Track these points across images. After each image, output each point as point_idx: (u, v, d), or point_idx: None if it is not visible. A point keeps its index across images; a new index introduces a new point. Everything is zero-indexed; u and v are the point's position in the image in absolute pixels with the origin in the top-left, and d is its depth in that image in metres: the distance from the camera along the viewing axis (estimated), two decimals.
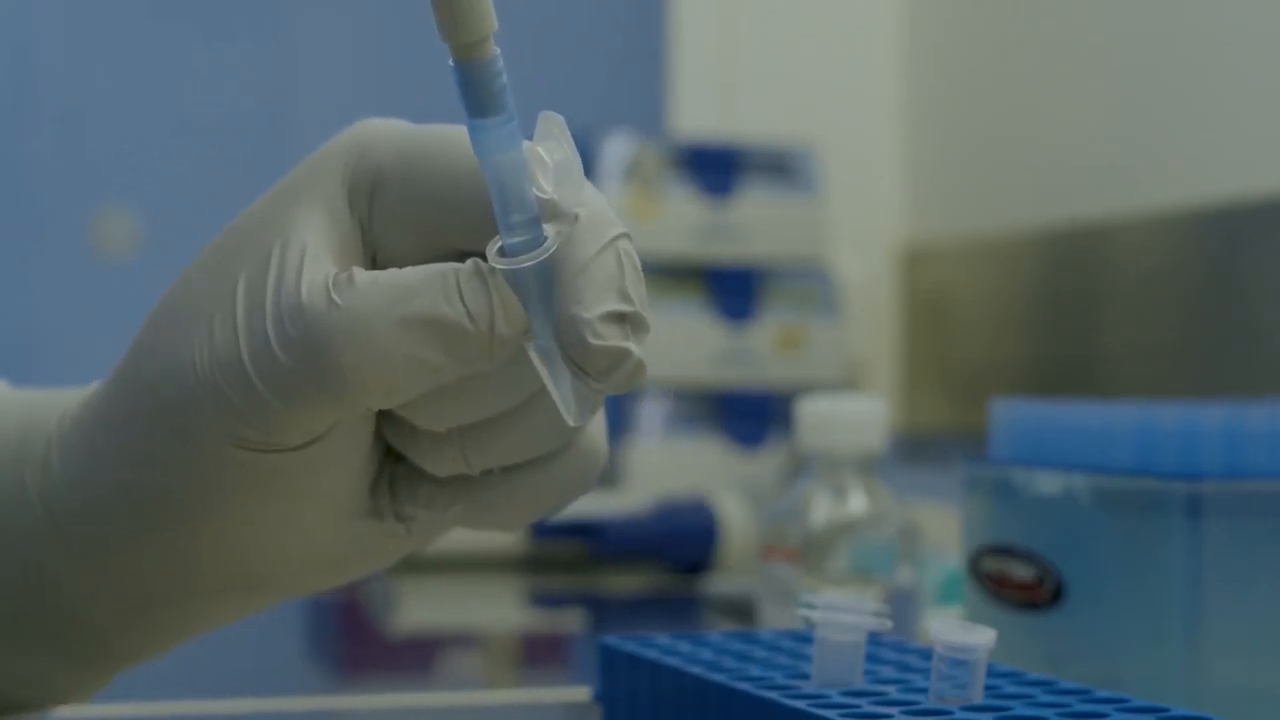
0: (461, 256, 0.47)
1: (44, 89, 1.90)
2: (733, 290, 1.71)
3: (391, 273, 0.46)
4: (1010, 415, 0.69)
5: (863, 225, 1.95)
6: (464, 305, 0.45)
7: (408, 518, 0.52)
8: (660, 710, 0.56)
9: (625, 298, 0.44)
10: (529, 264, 0.44)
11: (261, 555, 0.50)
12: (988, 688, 0.50)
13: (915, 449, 1.81)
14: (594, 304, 0.44)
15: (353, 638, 1.13)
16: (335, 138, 0.49)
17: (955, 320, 1.86)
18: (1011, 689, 0.51)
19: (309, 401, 0.46)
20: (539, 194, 0.45)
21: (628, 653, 0.58)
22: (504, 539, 1.30)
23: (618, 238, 0.45)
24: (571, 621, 1.24)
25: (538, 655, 1.11)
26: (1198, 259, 1.50)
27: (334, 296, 0.45)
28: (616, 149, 1.68)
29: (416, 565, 1.28)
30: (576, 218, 0.45)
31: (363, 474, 0.51)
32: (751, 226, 1.73)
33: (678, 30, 1.98)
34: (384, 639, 1.12)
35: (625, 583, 1.31)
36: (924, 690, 0.50)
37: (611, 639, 0.60)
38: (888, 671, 0.54)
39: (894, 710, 0.48)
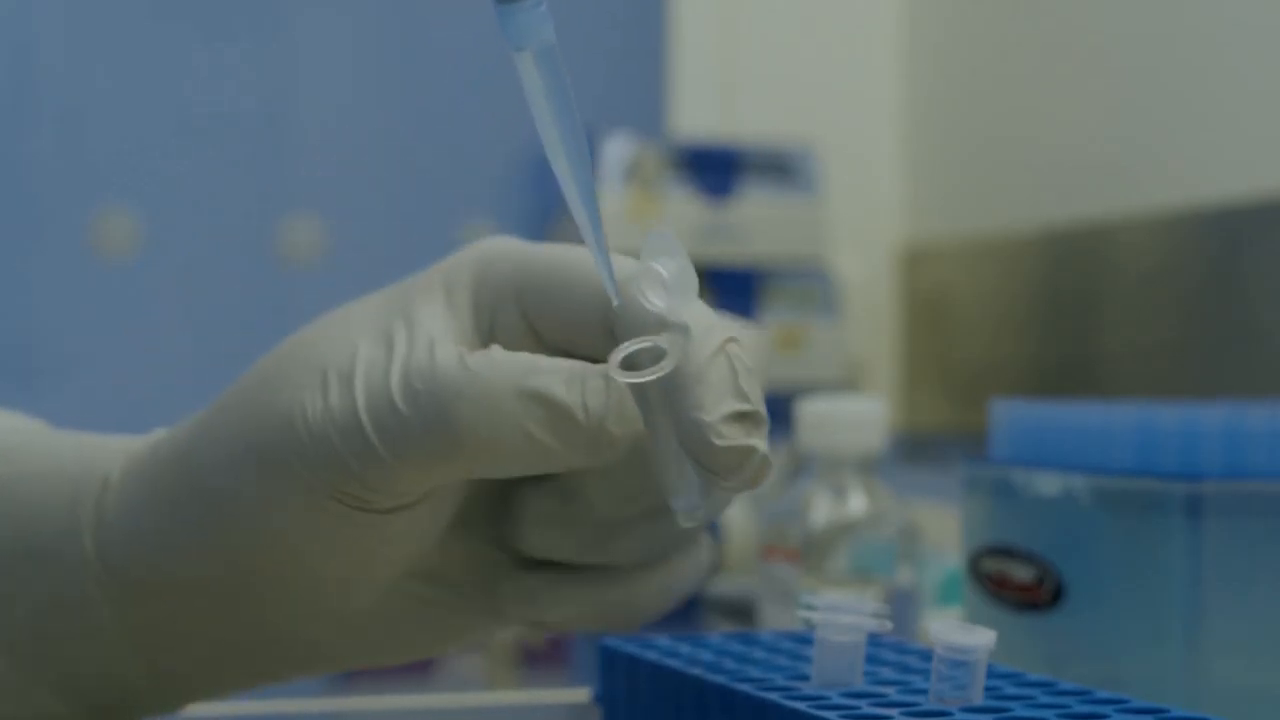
0: None
1: (44, 89, 1.90)
2: (733, 291, 1.71)
3: (524, 354, 0.48)
4: (1010, 415, 0.69)
5: (863, 225, 1.95)
6: (581, 396, 0.47)
7: (514, 605, 0.55)
8: (660, 711, 0.56)
9: (743, 397, 0.47)
10: (649, 378, 0.46)
11: (317, 617, 0.52)
12: (988, 689, 0.50)
13: (915, 449, 1.81)
14: (715, 408, 0.46)
15: None
16: (459, 252, 0.51)
17: (955, 320, 1.86)
18: (1012, 690, 0.51)
19: (420, 456, 0.47)
20: (650, 306, 0.48)
21: (628, 654, 0.58)
22: None
23: (727, 342, 0.48)
24: None
25: (538, 657, 1.11)
26: (1198, 259, 1.50)
27: (466, 361, 0.47)
28: (616, 150, 1.68)
29: None
30: (687, 329, 0.48)
31: (438, 552, 0.53)
32: (751, 227, 1.73)
33: (678, 30, 1.98)
34: None
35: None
36: (924, 691, 0.50)
37: (611, 640, 0.60)
38: (888, 672, 0.54)
39: (894, 711, 0.48)
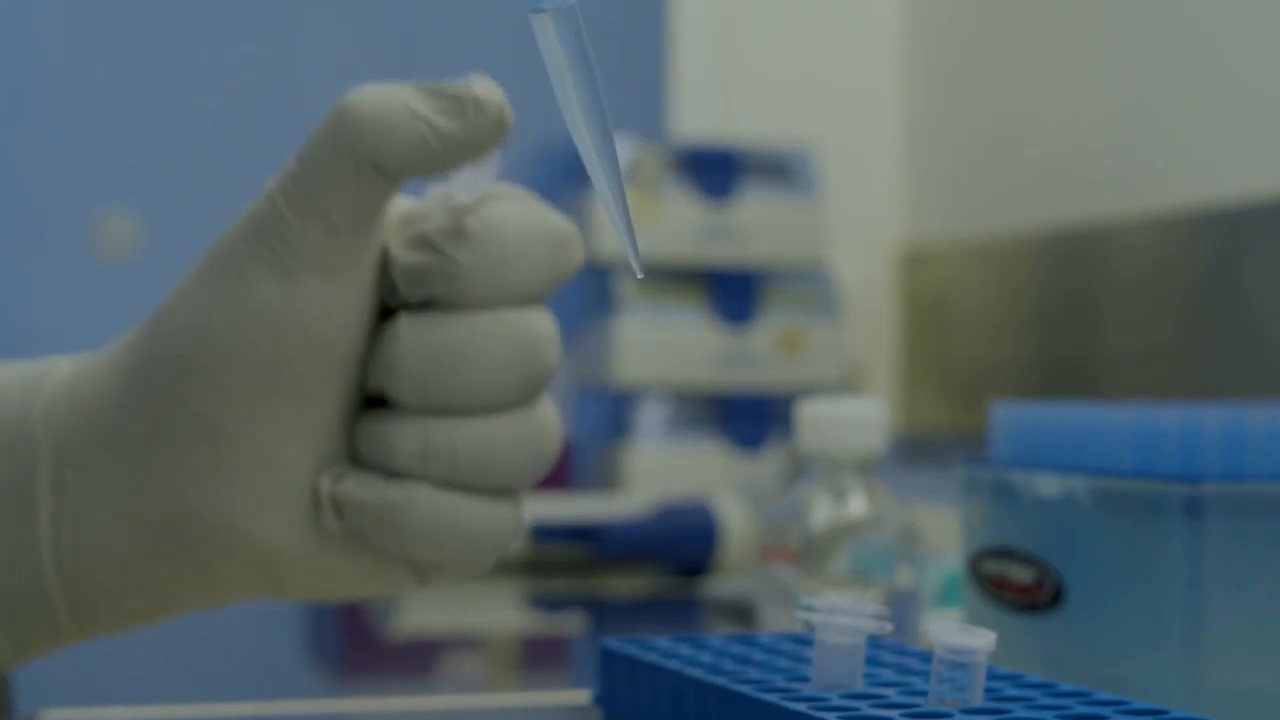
0: None
1: (44, 89, 1.90)
2: (733, 292, 1.71)
3: None
4: (1010, 417, 0.69)
5: (863, 226, 1.95)
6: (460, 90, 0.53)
7: (342, 498, 0.54)
8: (660, 713, 0.56)
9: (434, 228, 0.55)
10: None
11: (240, 500, 0.53)
12: (987, 690, 0.50)
13: (915, 451, 1.81)
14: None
15: (353, 640, 1.13)
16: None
17: (955, 322, 1.86)
18: (1011, 691, 0.51)
19: (326, 153, 0.55)
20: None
21: (628, 655, 0.58)
22: None
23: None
24: (572, 624, 1.24)
25: (538, 658, 1.11)
26: (1198, 260, 1.50)
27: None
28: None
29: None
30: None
31: (340, 422, 0.54)
32: (751, 228, 1.73)
33: (678, 30, 1.98)
34: (385, 642, 1.12)
35: (625, 585, 1.31)
36: (924, 693, 0.50)
37: (612, 642, 0.60)
38: (888, 674, 0.54)
39: (894, 713, 0.48)
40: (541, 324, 0.54)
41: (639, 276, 0.50)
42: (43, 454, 0.54)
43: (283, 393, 0.53)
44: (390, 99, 0.55)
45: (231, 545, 0.54)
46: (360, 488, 0.53)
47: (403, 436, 0.53)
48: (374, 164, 0.53)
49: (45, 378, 0.55)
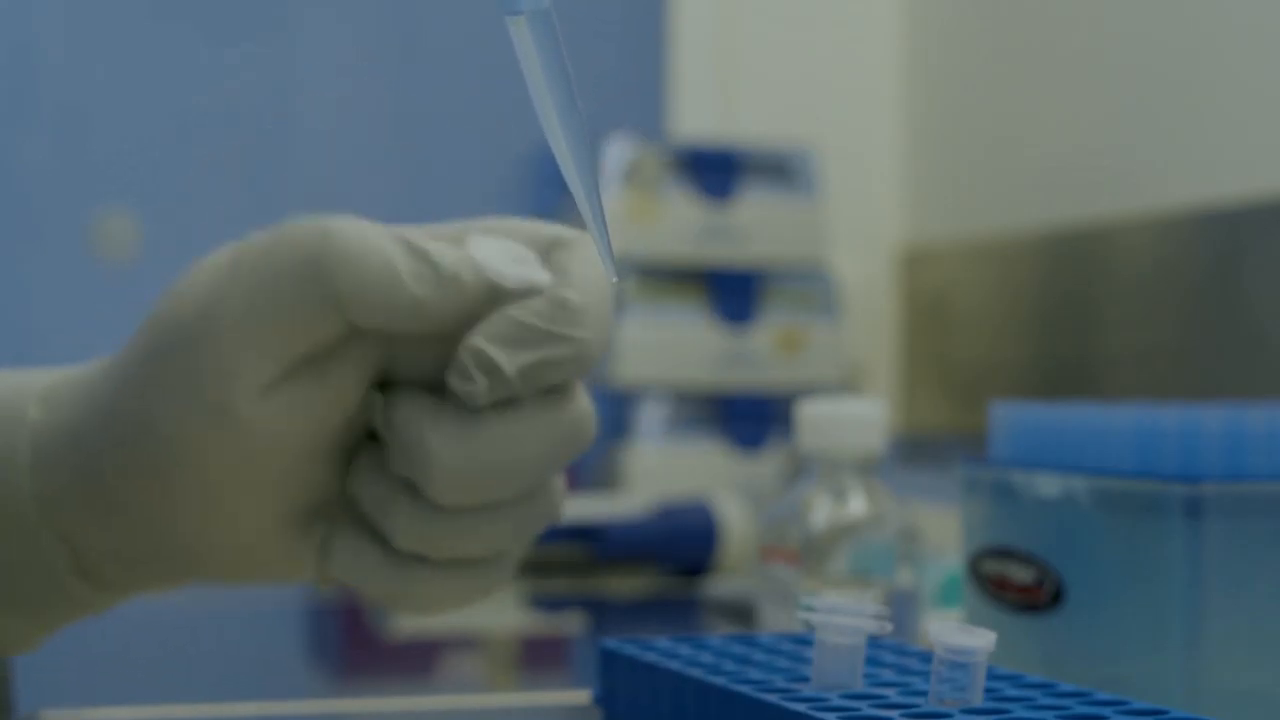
0: None
1: (44, 89, 1.90)
2: (733, 292, 1.71)
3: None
4: (1010, 417, 0.69)
5: (862, 226, 1.95)
6: (436, 255, 0.52)
7: (335, 570, 0.55)
8: (660, 713, 0.56)
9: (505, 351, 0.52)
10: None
11: (206, 540, 0.54)
12: (987, 690, 0.50)
13: (915, 450, 1.81)
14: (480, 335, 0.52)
15: (353, 640, 1.13)
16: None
17: (955, 322, 1.86)
18: (1011, 691, 0.51)
19: (291, 287, 0.51)
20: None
21: (628, 656, 0.58)
22: None
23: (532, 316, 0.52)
24: (572, 624, 1.24)
25: (538, 658, 1.11)
26: (1198, 260, 1.50)
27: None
28: (616, 152, 1.68)
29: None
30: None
31: (310, 484, 0.54)
32: (751, 228, 1.73)
33: (678, 31, 1.98)
34: (384, 642, 1.12)
35: (625, 585, 1.31)
36: (924, 693, 0.50)
37: (612, 642, 0.60)
38: (888, 674, 0.54)
39: (894, 713, 0.48)
40: (585, 402, 0.53)
41: (613, 280, 0.50)
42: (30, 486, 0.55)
43: (240, 478, 0.53)
44: (371, 249, 0.52)
45: (206, 560, 0.56)
46: (357, 565, 0.53)
47: (429, 529, 0.53)
48: (336, 306, 0.51)
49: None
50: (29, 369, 0.58)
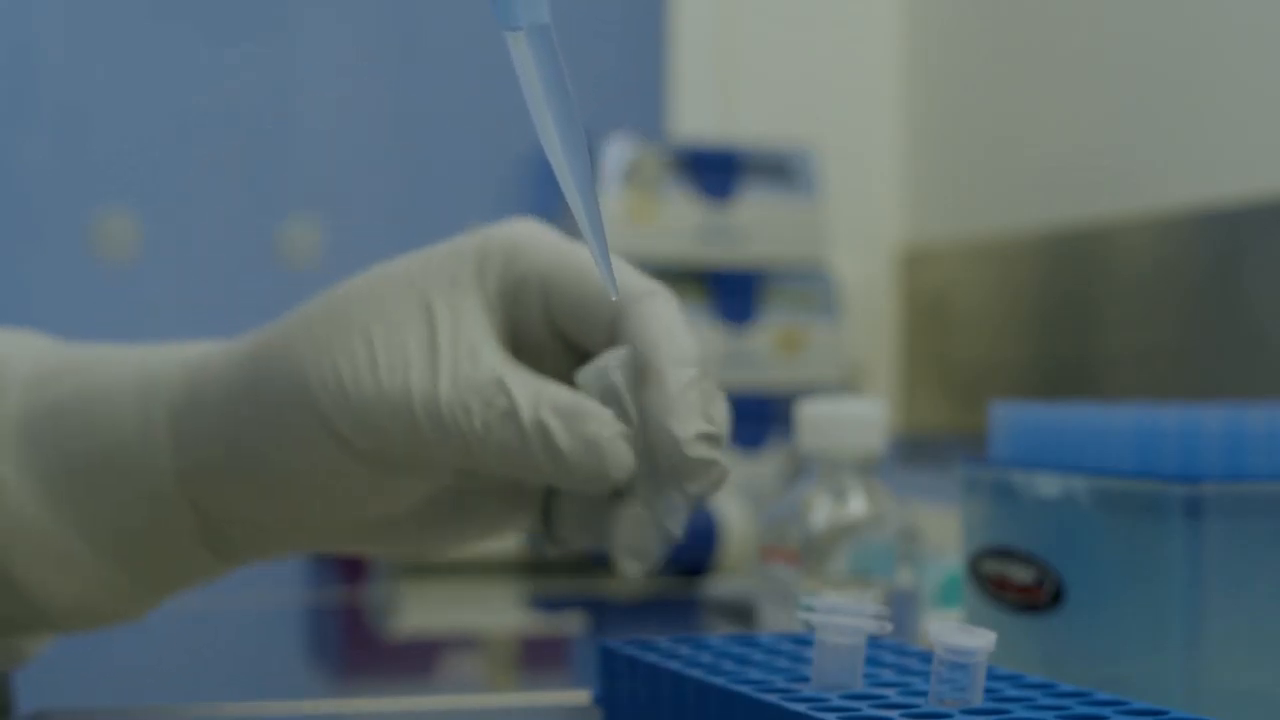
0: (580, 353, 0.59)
1: (44, 89, 1.90)
2: (733, 292, 1.71)
3: (553, 388, 0.57)
4: (1010, 417, 0.69)
5: (862, 226, 1.95)
6: (583, 440, 0.56)
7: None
8: (660, 713, 0.56)
9: (710, 420, 0.57)
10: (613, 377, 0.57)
11: (331, 525, 0.60)
12: (988, 690, 0.50)
13: (915, 450, 1.81)
14: (686, 427, 0.56)
15: (354, 641, 1.13)
16: (489, 232, 0.60)
17: (955, 322, 1.86)
18: (1011, 691, 0.51)
19: (450, 452, 0.56)
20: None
21: (628, 656, 0.58)
22: (503, 541, 1.30)
23: (700, 377, 0.57)
24: (571, 624, 1.24)
25: (538, 658, 1.11)
26: (1198, 260, 1.50)
27: (505, 381, 0.56)
28: (616, 152, 1.68)
29: (417, 568, 1.28)
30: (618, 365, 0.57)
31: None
32: (751, 228, 1.73)
33: (678, 31, 1.98)
34: (385, 642, 1.12)
35: (625, 585, 1.31)
36: (924, 693, 0.50)
37: (612, 642, 0.60)
38: (888, 674, 0.54)
39: (894, 713, 0.48)
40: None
41: (613, 299, 0.54)
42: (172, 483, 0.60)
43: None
44: (529, 448, 0.57)
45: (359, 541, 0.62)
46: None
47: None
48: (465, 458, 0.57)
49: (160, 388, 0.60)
50: (167, 344, 0.63)
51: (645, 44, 1.99)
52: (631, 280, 0.59)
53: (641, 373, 0.56)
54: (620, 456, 0.56)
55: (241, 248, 1.91)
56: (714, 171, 1.73)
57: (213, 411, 0.59)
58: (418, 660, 1.06)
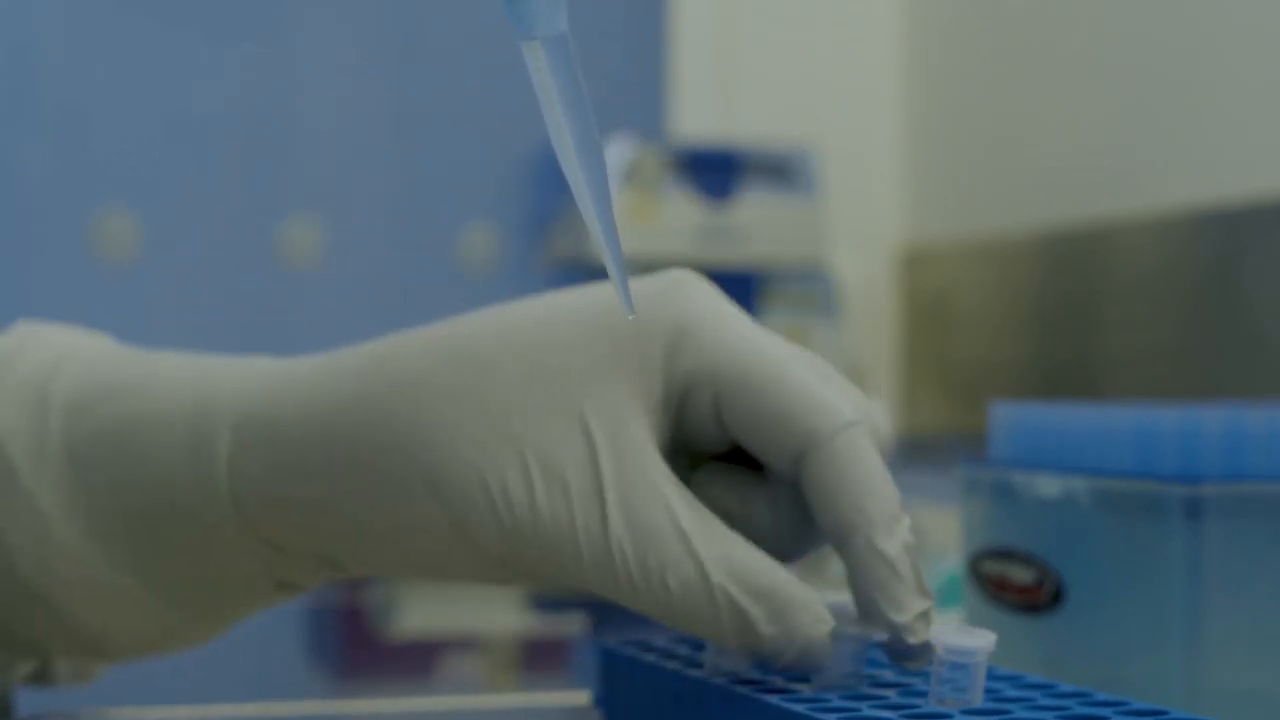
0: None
1: (44, 89, 1.90)
2: (733, 293, 1.70)
3: (734, 545, 0.49)
4: (1010, 417, 0.69)
5: (862, 227, 1.95)
6: (767, 621, 0.50)
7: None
8: (660, 714, 0.56)
9: (926, 594, 0.50)
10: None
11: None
12: (988, 691, 0.50)
13: (915, 451, 1.81)
14: (908, 609, 0.50)
15: (354, 642, 1.13)
16: (648, 307, 0.53)
17: (955, 322, 1.86)
18: (1012, 692, 0.51)
19: (604, 588, 0.48)
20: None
21: (628, 656, 0.58)
22: None
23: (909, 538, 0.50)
24: (571, 625, 1.24)
25: (538, 659, 1.11)
26: (1198, 260, 1.50)
27: (681, 524, 0.49)
28: (616, 153, 1.68)
29: None
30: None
31: None
32: (751, 229, 1.73)
33: (678, 31, 1.98)
34: (385, 643, 1.12)
35: None
36: (924, 693, 0.50)
37: (611, 643, 0.60)
38: (888, 674, 0.54)
39: (894, 714, 0.48)
40: None
41: (630, 317, 0.48)
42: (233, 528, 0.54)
43: None
44: (700, 605, 0.49)
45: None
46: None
47: None
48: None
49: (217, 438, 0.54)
50: (215, 360, 0.56)
51: (645, 44, 1.99)
52: (825, 404, 0.50)
53: (844, 530, 0.49)
54: (826, 651, 0.50)
55: (241, 248, 1.91)
56: (714, 171, 1.73)
57: (293, 454, 0.52)
58: (418, 660, 1.06)
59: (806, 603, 0.49)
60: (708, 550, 0.49)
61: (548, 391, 0.50)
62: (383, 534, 0.51)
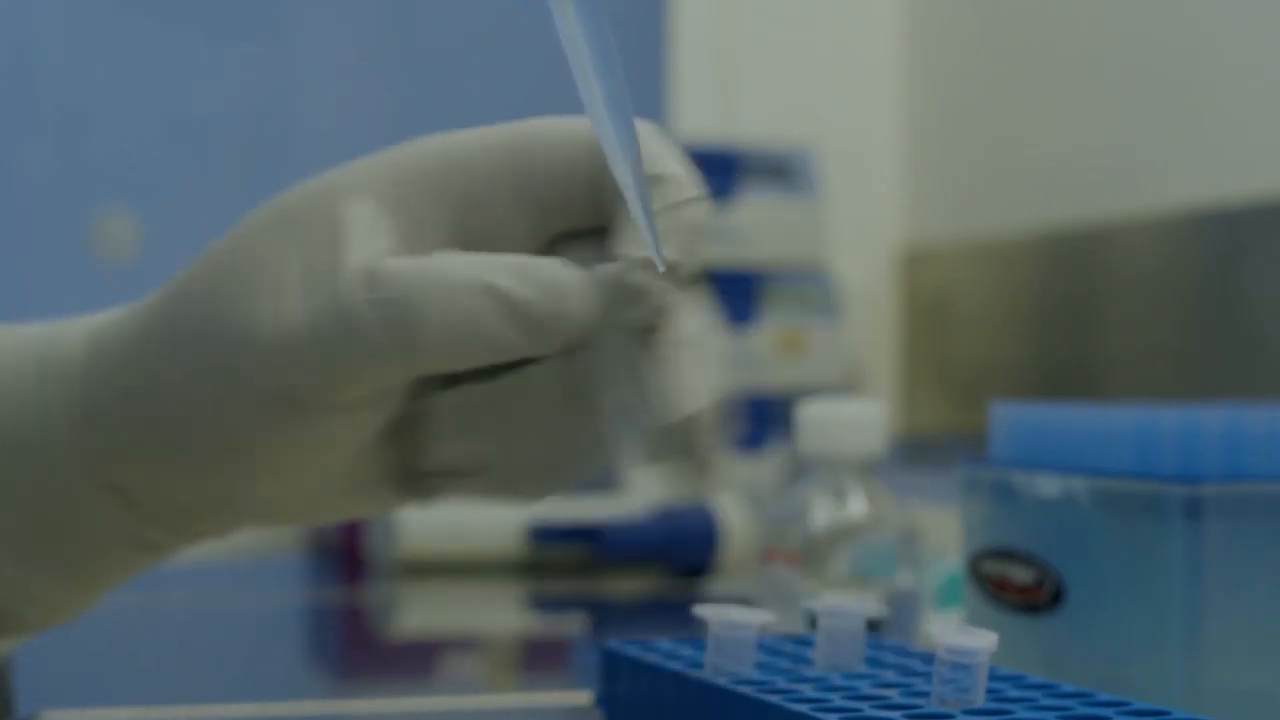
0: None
1: (44, 89, 1.90)
2: (733, 294, 1.71)
3: (471, 255, 0.50)
4: (1010, 417, 0.69)
5: (863, 227, 1.95)
6: (533, 288, 0.49)
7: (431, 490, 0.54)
8: (662, 714, 0.56)
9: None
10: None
11: (268, 495, 0.53)
12: (989, 691, 0.50)
13: (915, 451, 1.81)
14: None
15: (354, 641, 1.14)
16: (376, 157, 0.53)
17: (955, 322, 1.86)
18: (1013, 692, 0.51)
19: (379, 355, 0.49)
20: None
21: (629, 657, 0.58)
22: (503, 541, 1.30)
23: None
24: (572, 625, 1.24)
25: (539, 659, 1.11)
26: (1198, 260, 1.50)
27: (419, 262, 0.49)
28: None
29: (417, 569, 1.28)
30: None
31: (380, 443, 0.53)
32: (751, 229, 1.73)
33: (678, 30, 1.98)
34: (385, 643, 1.12)
35: (626, 586, 1.31)
36: (926, 694, 0.50)
37: (613, 643, 0.60)
38: (890, 675, 0.54)
39: (896, 714, 0.48)
40: None
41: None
42: (75, 463, 0.53)
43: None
44: (462, 316, 0.49)
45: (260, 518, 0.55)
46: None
47: None
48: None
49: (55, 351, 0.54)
50: (59, 320, 0.56)
51: (645, 44, 1.99)
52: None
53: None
54: (586, 300, 0.49)
55: None
56: (714, 172, 1.73)
57: (116, 376, 0.52)
58: (418, 660, 1.06)
59: (551, 263, 0.49)
60: (453, 263, 0.49)
61: (290, 224, 0.51)
62: (204, 442, 0.51)
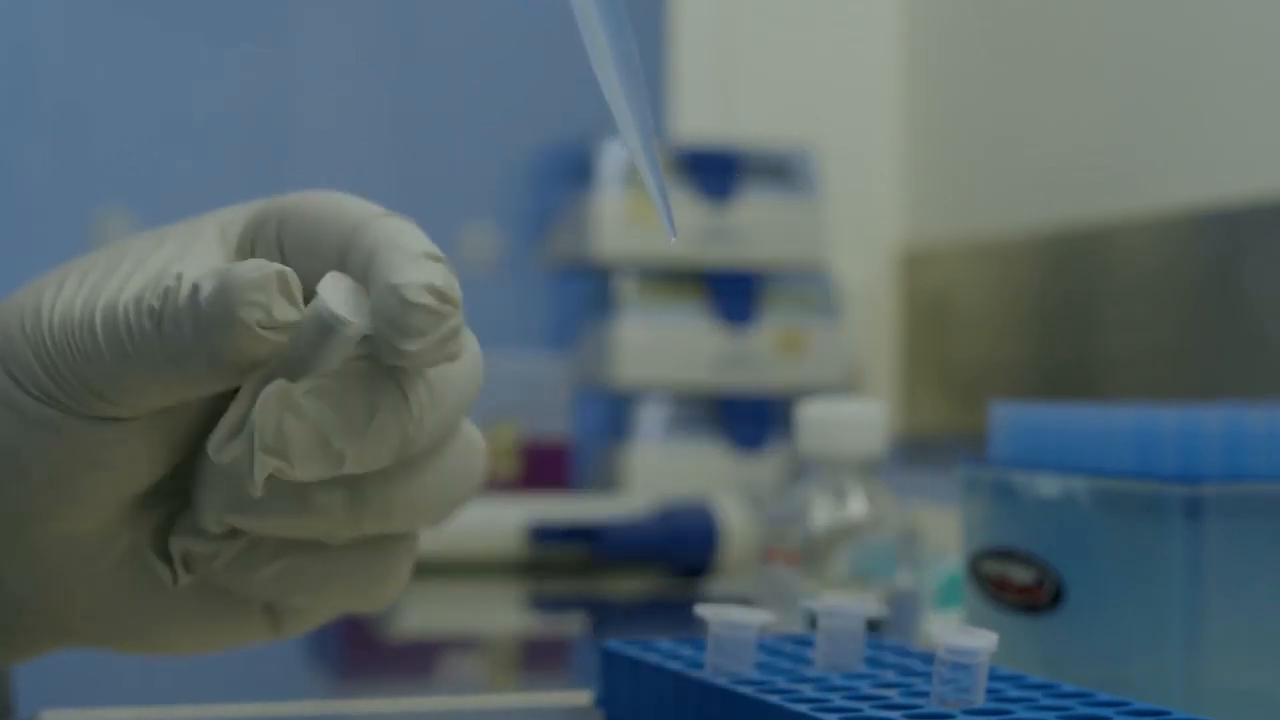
0: None
1: (44, 89, 1.90)
2: (733, 294, 1.71)
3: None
4: (1010, 417, 0.69)
5: (863, 227, 1.95)
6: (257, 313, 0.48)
7: (193, 553, 0.52)
8: (662, 714, 0.56)
9: (439, 275, 0.48)
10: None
11: (46, 578, 0.51)
12: (989, 691, 0.50)
13: (915, 451, 1.81)
14: (412, 276, 0.47)
15: (353, 641, 1.13)
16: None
17: (955, 322, 1.86)
18: (1013, 692, 0.51)
19: (147, 367, 0.48)
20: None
21: (629, 657, 0.58)
22: (503, 541, 1.30)
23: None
24: (572, 625, 1.24)
25: (538, 659, 1.11)
26: (1198, 260, 1.50)
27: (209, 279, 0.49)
28: (615, 154, 1.68)
29: (417, 568, 1.28)
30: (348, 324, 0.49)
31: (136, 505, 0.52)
32: (751, 229, 1.73)
33: (678, 31, 1.98)
34: (384, 643, 1.12)
35: (626, 586, 1.31)
36: (926, 694, 0.50)
37: (613, 643, 0.60)
38: (890, 675, 0.54)
39: (896, 714, 0.48)
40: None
41: (673, 238, 0.46)
42: None
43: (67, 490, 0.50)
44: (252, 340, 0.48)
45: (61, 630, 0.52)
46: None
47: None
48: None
49: None
50: None
51: (645, 44, 1.99)
52: (364, 204, 0.52)
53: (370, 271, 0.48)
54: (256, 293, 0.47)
55: None
56: (714, 172, 1.73)
57: None
58: (418, 661, 1.06)
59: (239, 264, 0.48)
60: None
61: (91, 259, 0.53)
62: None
